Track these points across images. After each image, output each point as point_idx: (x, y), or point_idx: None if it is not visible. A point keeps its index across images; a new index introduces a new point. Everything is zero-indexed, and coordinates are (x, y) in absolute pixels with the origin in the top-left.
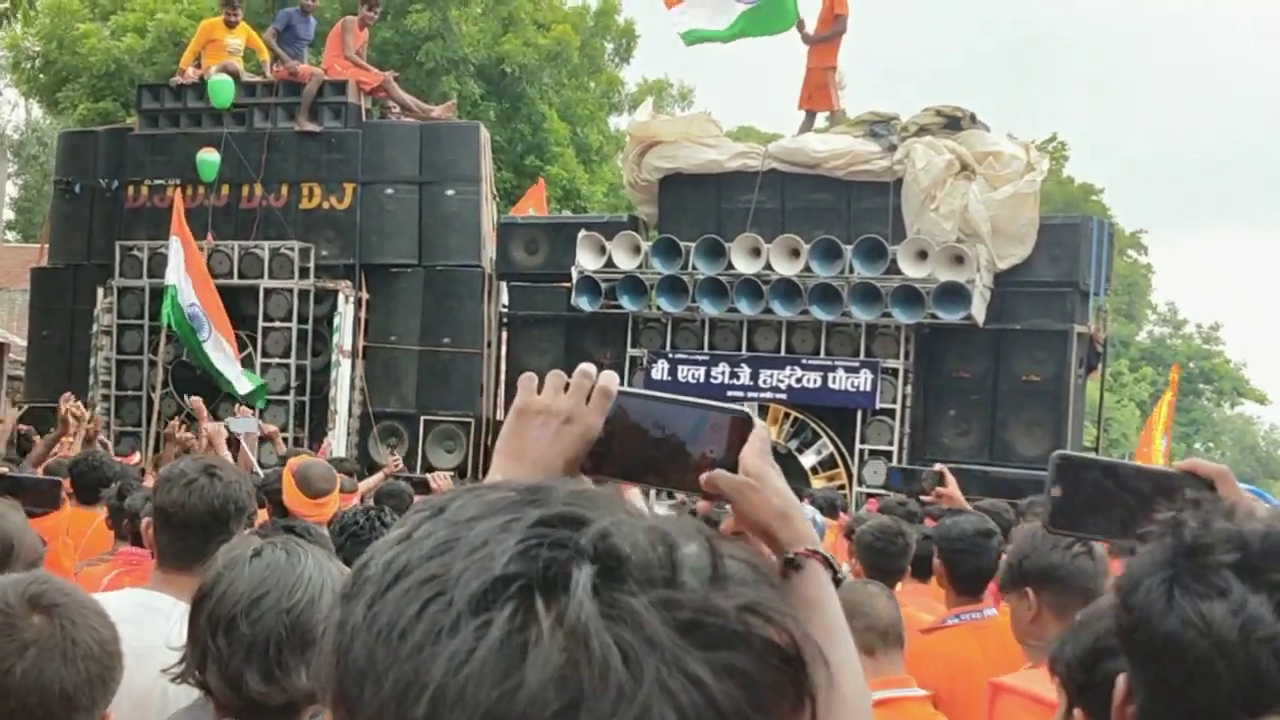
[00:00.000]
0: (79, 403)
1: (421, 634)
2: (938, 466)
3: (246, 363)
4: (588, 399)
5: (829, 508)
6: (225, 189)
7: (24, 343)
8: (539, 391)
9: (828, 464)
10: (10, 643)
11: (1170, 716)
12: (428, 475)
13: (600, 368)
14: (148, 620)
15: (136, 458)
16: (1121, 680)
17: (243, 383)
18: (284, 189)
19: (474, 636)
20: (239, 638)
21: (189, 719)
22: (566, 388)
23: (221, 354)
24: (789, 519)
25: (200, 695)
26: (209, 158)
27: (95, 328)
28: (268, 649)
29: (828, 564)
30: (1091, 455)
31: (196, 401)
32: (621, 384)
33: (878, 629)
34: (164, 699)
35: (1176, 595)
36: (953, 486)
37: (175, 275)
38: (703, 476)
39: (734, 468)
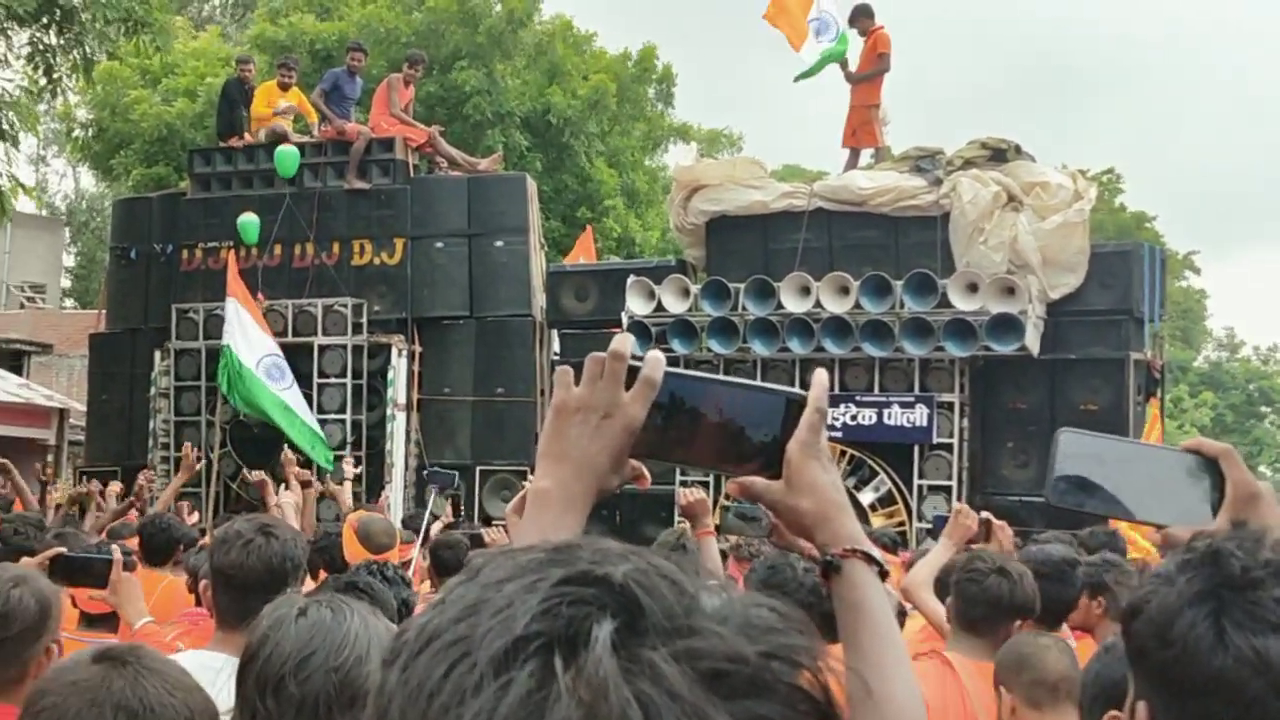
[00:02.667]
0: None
1: (448, 694)
2: (983, 514)
3: None
4: (627, 384)
5: (892, 545)
6: (278, 249)
7: (84, 408)
8: (576, 384)
9: (886, 501)
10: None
11: None
12: (482, 530)
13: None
14: (205, 680)
15: (195, 518)
16: (1142, 709)
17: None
18: (335, 246)
19: (495, 696)
20: (288, 698)
21: None
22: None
23: (302, 405)
24: (826, 520)
25: None
26: (249, 220)
27: (153, 390)
28: (317, 709)
29: (870, 560)
30: (1096, 433)
31: (259, 478)
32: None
33: (1046, 683)
34: None
35: (1228, 630)
36: (1003, 535)
37: (231, 336)
38: (734, 482)
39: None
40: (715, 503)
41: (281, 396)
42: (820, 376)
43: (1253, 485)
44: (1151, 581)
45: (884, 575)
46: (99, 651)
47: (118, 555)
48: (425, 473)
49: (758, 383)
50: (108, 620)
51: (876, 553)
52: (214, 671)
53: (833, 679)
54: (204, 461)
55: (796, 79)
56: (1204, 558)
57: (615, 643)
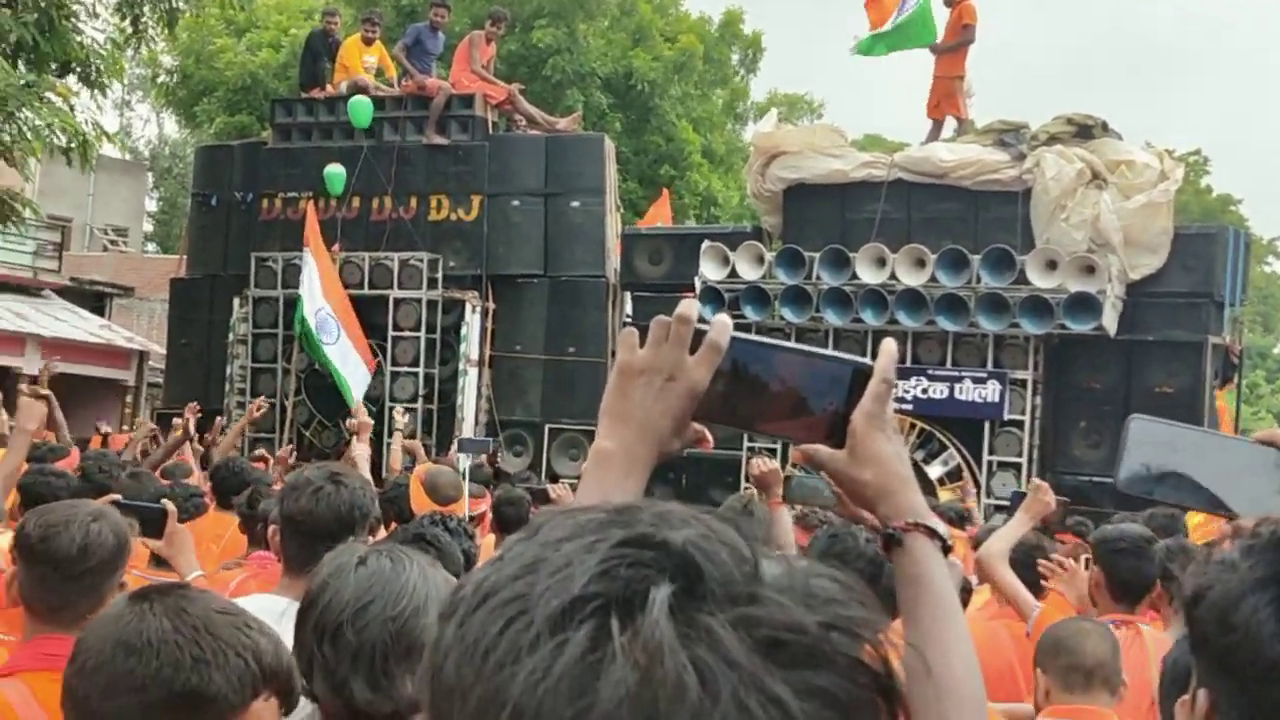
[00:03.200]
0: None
1: (503, 651)
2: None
3: (378, 370)
4: (692, 349)
5: (958, 520)
6: (356, 201)
7: (163, 350)
8: (641, 346)
9: (955, 475)
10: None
11: None
12: (548, 485)
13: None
14: (267, 622)
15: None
16: (1203, 697)
17: (360, 390)
18: (413, 201)
19: (550, 655)
20: (345, 645)
21: None
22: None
23: (347, 360)
24: (889, 492)
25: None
26: (336, 171)
27: (231, 336)
28: (373, 658)
29: (933, 534)
30: (1168, 421)
31: (356, 424)
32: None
33: (1083, 668)
34: None
35: None
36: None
37: (305, 285)
38: (798, 449)
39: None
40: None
41: (326, 352)
42: (889, 346)
43: None
44: (1215, 568)
45: (947, 550)
46: (136, 590)
47: (171, 508)
48: (459, 441)
49: (825, 351)
50: None
51: (941, 527)
52: (277, 615)
53: (893, 653)
54: (279, 408)
55: (854, 52)
56: (1268, 544)
57: (673, 607)
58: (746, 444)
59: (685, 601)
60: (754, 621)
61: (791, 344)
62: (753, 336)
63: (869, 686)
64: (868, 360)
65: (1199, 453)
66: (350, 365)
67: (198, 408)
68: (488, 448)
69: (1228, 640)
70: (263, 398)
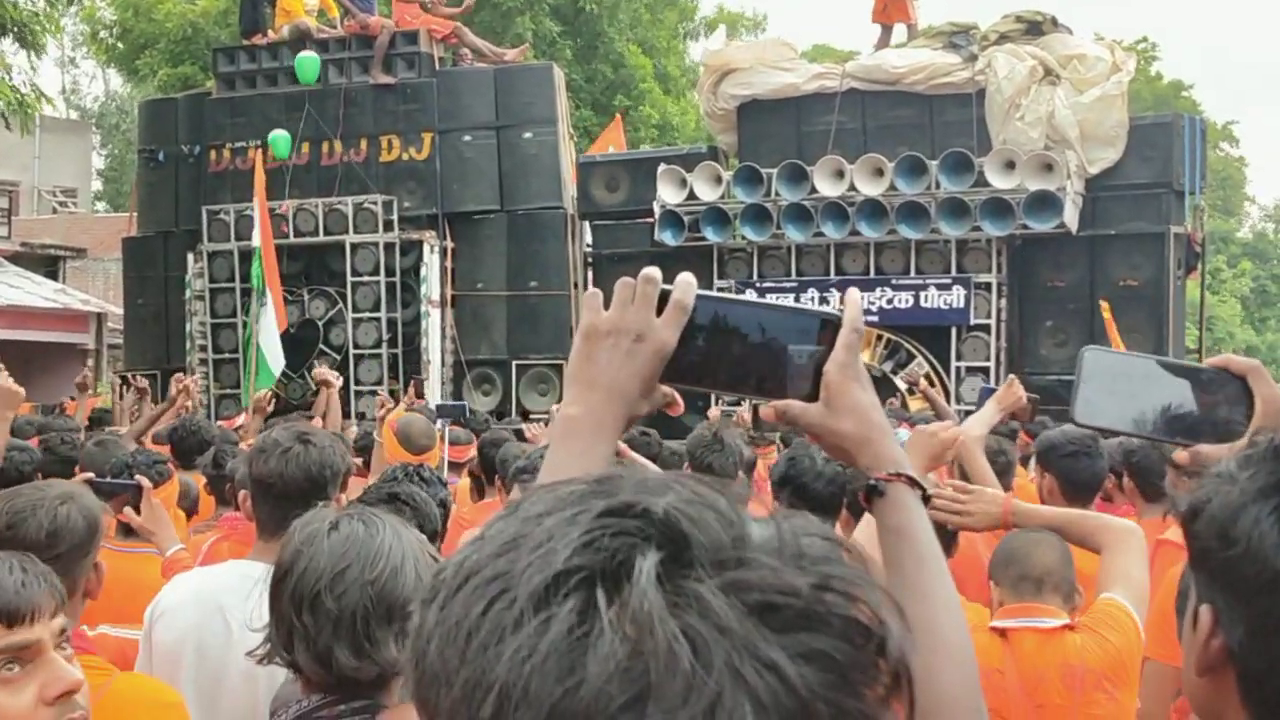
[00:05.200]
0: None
1: (487, 632)
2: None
3: (338, 318)
4: (658, 310)
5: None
6: (305, 147)
7: (121, 311)
8: (606, 308)
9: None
10: None
11: (1276, 651)
12: (523, 426)
13: None
14: (245, 590)
15: (242, 419)
16: (1205, 613)
17: (278, 363)
18: (363, 143)
19: (536, 633)
20: (325, 613)
21: (294, 690)
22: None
23: (269, 333)
24: (868, 442)
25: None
26: (280, 135)
27: (188, 293)
28: (355, 623)
29: (914, 484)
30: (1122, 351)
31: (321, 373)
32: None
33: (1031, 577)
34: (272, 670)
35: None
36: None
37: (260, 237)
38: (768, 406)
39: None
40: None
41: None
42: (854, 295)
43: None
44: (1211, 481)
45: (927, 499)
46: None
47: (146, 484)
48: (435, 407)
49: (792, 304)
50: None
51: (924, 478)
52: (254, 581)
53: (890, 611)
54: (242, 363)
55: None
56: (1267, 452)
57: (660, 575)
58: None
59: (673, 569)
60: (745, 586)
61: (757, 299)
62: (719, 294)
63: (866, 647)
64: (835, 310)
65: (1154, 382)
66: (268, 336)
67: (182, 380)
68: (463, 411)
69: (1229, 553)
70: (195, 377)
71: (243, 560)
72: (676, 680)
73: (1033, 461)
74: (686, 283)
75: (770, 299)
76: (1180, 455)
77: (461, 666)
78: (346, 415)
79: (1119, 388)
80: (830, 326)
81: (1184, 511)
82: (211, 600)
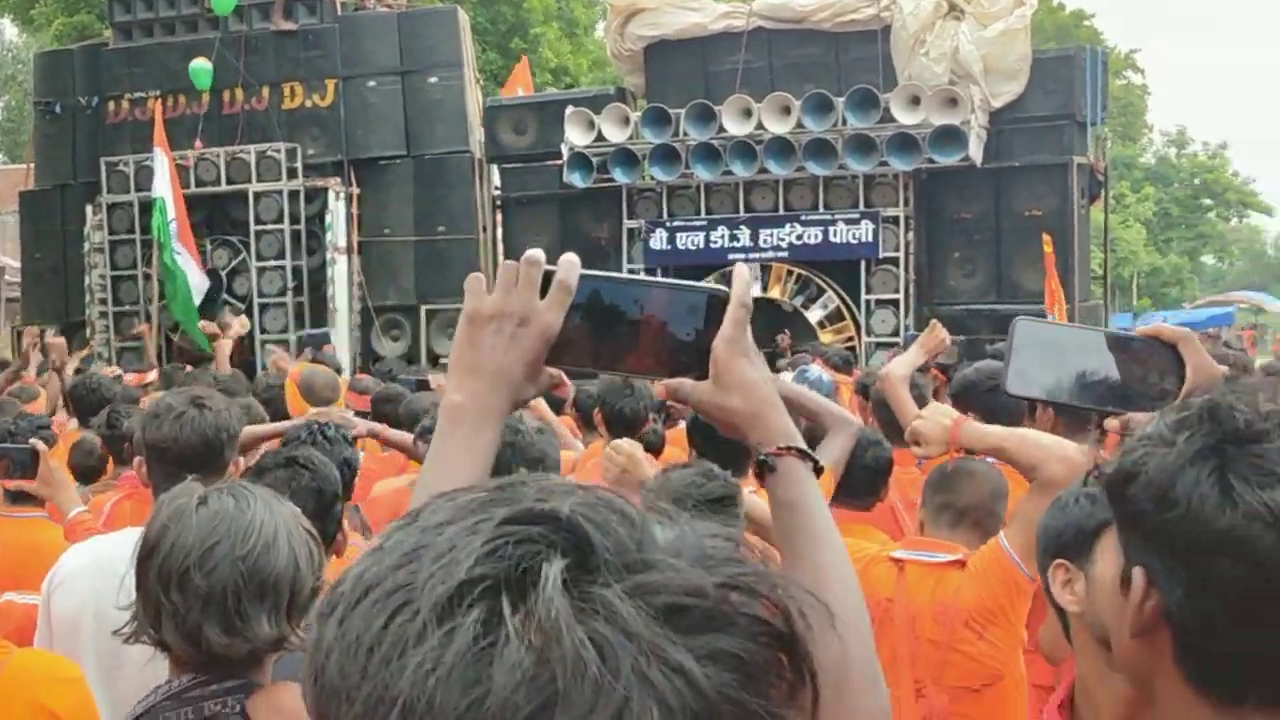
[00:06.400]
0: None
1: (389, 646)
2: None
3: (242, 267)
4: (542, 292)
5: (843, 365)
6: (206, 96)
7: (19, 265)
8: (489, 292)
9: (835, 318)
10: None
11: (1215, 611)
12: (428, 377)
13: (598, 243)
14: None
15: (153, 375)
16: (1139, 575)
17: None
18: (265, 91)
19: (440, 644)
20: (194, 591)
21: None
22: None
23: (191, 271)
24: (758, 417)
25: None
26: (201, 66)
27: (87, 246)
28: (225, 600)
29: (805, 457)
30: (1054, 321)
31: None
32: (597, 266)
33: (954, 507)
34: None
35: (1235, 486)
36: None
37: (162, 187)
38: (661, 384)
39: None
40: None
41: (178, 260)
42: (741, 270)
43: (1213, 368)
44: (1143, 444)
45: (819, 471)
46: None
47: (41, 447)
48: (297, 337)
49: (678, 281)
50: (34, 496)
51: (812, 453)
52: None
53: (794, 606)
54: (143, 315)
55: None
56: (1201, 415)
57: (566, 581)
58: None
59: (579, 575)
60: (651, 589)
61: (644, 277)
62: (603, 273)
63: (771, 644)
64: (722, 286)
65: (1085, 350)
66: (194, 275)
67: (35, 335)
68: (327, 339)
69: (1168, 516)
70: (51, 331)
71: (140, 527)
72: (584, 687)
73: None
74: (570, 263)
75: (657, 278)
76: (1112, 423)
77: (363, 682)
78: (253, 365)
79: (1050, 358)
80: (718, 302)
81: (1114, 476)
82: (110, 568)
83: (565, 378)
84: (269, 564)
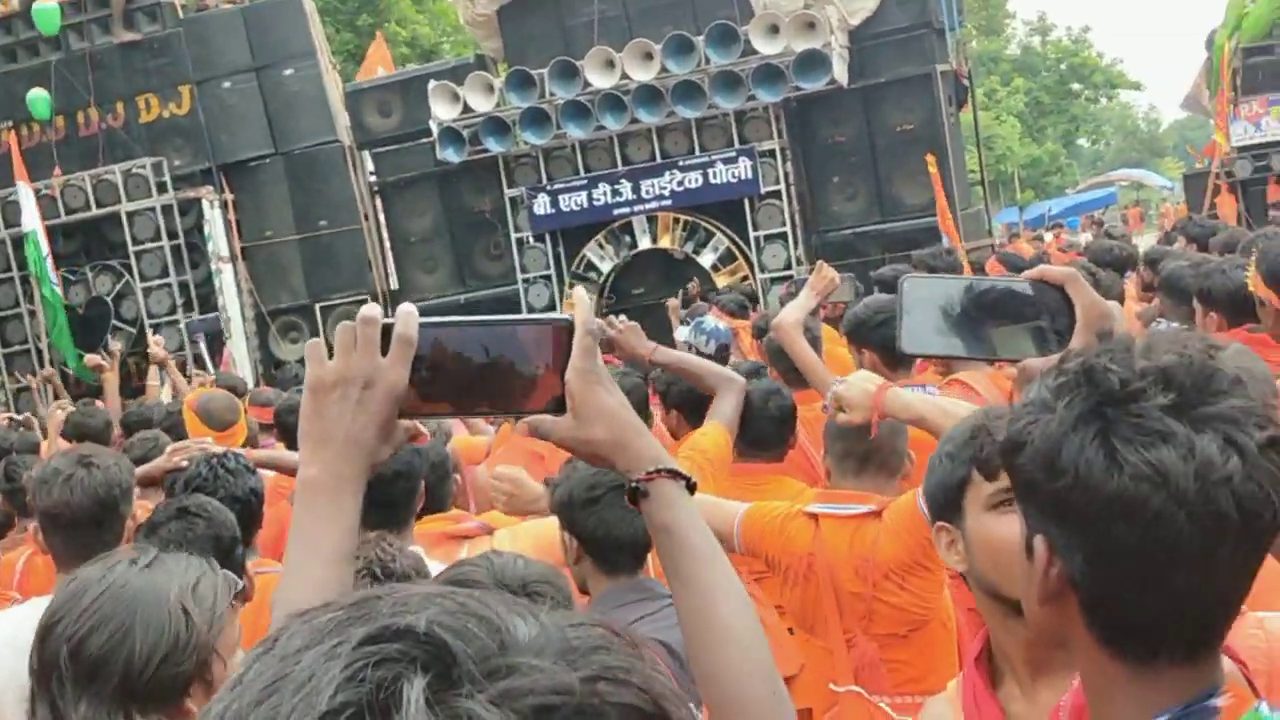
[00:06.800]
0: None
1: None
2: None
3: (127, 290)
4: (384, 348)
5: (739, 310)
6: (60, 120)
7: None
8: (330, 357)
9: (727, 259)
10: None
11: (1117, 575)
12: None
13: (482, 216)
14: None
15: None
16: (1040, 544)
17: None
18: (120, 107)
19: None
20: (32, 666)
21: None
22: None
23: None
24: (623, 445)
25: None
26: (39, 95)
27: None
28: (50, 682)
29: (676, 476)
30: (941, 275)
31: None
32: (484, 239)
33: (855, 453)
34: None
35: (1119, 449)
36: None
37: (31, 219)
38: (522, 424)
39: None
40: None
41: (57, 292)
42: (580, 294)
43: (1102, 305)
44: (1027, 412)
45: (693, 489)
46: None
47: None
48: (185, 324)
49: (520, 316)
50: None
51: (685, 469)
52: None
53: (660, 683)
54: (34, 351)
55: None
56: (1078, 377)
57: (429, 700)
58: None
59: (441, 689)
60: (516, 694)
61: (485, 317)
62: (443, 319)
63: None
64: (565, 315)
65: (973, 301)
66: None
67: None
68: (217, 324)
69: (1058, 485)
70: None
71: (45, 597)
72: None
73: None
74: (407, 313)
75: (498, 315)
76: (1009, 371)
77: None
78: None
79: (940, 313)
80: (563, 333)
81: (1004, 445)
82: (26, 645)
83: (420, 427)
84: (94, 645)
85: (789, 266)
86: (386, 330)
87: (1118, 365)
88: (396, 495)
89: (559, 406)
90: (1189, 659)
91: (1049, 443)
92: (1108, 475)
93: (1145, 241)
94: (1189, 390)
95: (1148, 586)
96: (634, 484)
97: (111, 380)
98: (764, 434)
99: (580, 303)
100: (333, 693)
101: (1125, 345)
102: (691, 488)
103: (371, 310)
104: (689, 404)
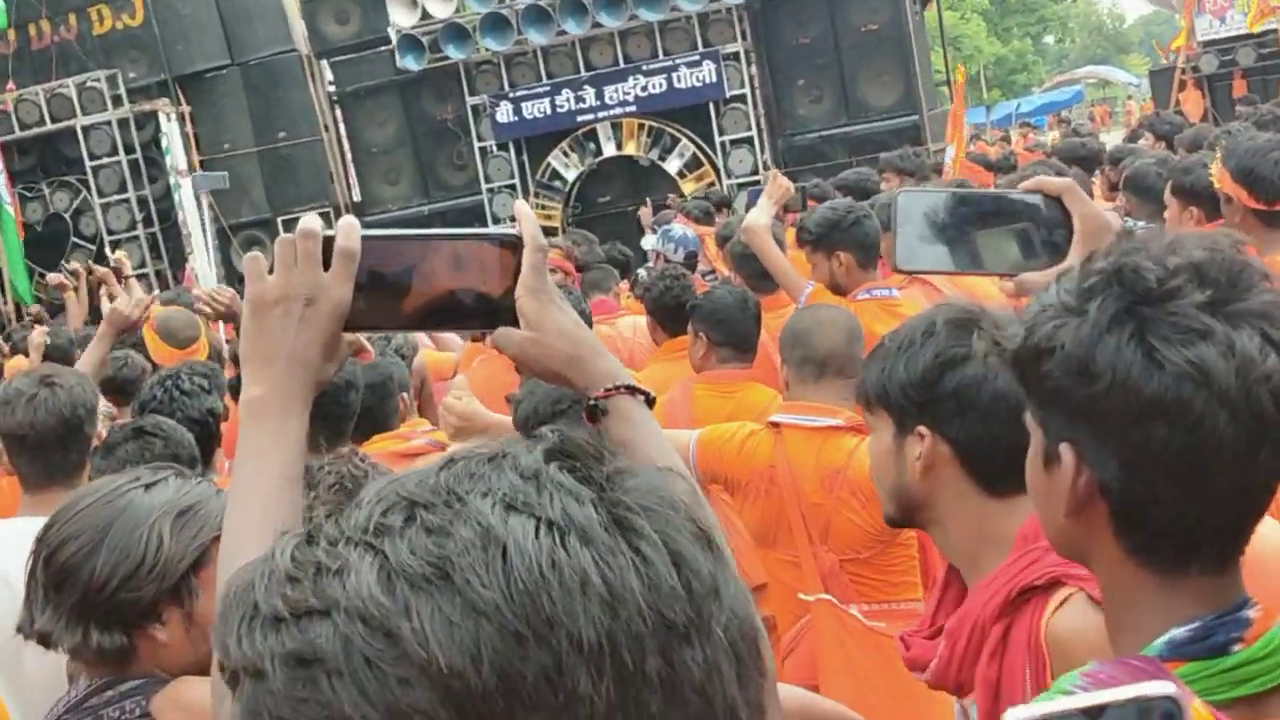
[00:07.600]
0: None
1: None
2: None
3: (85, 206)
4: (326, 261)
5: (705, 217)
6: (12, 34)
7: None
8: (271, 272)
9: (693, 164)
10: None
11: (1155, 481)
12: None
13: (444, 124)
14: (25, 546)
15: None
16: (1067, 452)
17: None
18: (72, 19)
19: None
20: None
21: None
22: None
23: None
24: (579, 361)
25: None
26: None
27: None
28: (38, 593)
29: (635, 392)
30: (936, 189)
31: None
32: (448, 147)
33: (814, 359)
34: None
35: (1158, 348)
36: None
37: None
38: (473, 338)
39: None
40: None
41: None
42: (522, 208)
43: (1100, 217)
44: (1049, 317)
45: (651, 403)
46: None
47: None
48: (191, 178)
49: (466, 230)
50: None
51: (643, 385)
52: (31, 537)
53: None
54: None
55: None
56: (1109, 278)
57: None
58: None
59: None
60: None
61: (430, 230)
62: (386, 231)
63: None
64: (512, 230)
65: (968, 214)
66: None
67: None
68: (223, 180)
69: (1093, 389)
70: None
71: (16, 518)
72: None
73: None
74: (349, 226)
75: (443, 229)
76: (1006, 285)
77: None
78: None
79: (935, 228)
80: (510, 247)
81: (1023, 353)
82: None
83: (365, 342)
84: (61, 555)
85: (755, 171)
86: (328, 243)
87: (1152, 263)
88: (346, 408)
89: (508, 323)
90: (1219, 568)
91: (1080, 347)
92: (1147, 376)
93: (1112, 139)
94: (1223, 286)
95: (1186, 491)
96: (593, 401)
97: (74, 300)
98: (748, 337)
99: (526, 218)
100: None
101: (1160, 242)
102: (650, 402)
103: (311, 223)
104: (667, 311)
